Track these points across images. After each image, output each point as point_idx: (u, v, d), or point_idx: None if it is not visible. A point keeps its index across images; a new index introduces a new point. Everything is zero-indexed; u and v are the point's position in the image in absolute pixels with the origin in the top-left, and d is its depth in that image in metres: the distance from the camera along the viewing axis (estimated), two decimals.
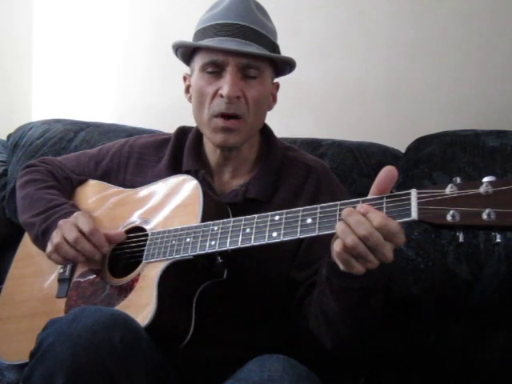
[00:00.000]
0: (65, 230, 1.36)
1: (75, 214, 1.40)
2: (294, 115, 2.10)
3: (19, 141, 2.14)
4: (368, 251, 1.02)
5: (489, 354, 1.53)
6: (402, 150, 1.77)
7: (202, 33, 1.37)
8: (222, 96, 1.33)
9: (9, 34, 2.58)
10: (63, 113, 2.35)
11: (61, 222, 1.39)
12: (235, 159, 1.44)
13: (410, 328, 1.63)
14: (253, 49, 1.33)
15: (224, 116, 1.34)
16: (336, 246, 1.05)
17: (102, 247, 1.36)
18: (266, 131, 1.50)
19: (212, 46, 1.33)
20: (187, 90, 1.45)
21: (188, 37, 1.42)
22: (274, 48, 1.39)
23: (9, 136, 2.23)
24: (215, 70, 1.35)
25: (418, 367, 1.60)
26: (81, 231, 1.35)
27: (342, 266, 1.06)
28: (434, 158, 1.64)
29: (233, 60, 1.32)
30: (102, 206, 1.51)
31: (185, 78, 1.47)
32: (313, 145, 1.81)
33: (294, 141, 1.79)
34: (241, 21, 1.34)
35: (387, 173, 1.05)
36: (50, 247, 1.39)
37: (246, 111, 1.35)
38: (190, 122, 1.47)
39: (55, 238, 1.37)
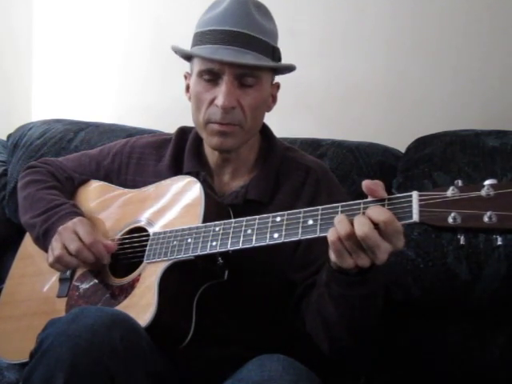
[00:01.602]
0: (66, 239, 1.36)
1: (74, 220, 1.40)
2: (293, 115, 2.10)
3: (19, 141, 2.14)
4: (361, 247, 1.03)
5: (489, 354, 1.53)
6: (402, 150, 1.77)
7: (200, 37, 1.35)
8: (217, 106, 1.32)
9: (9, 34, 2.57)
10: (63, 113, 2.35)
11: (60, 228, 1.38)
12: (234, 161, 1.44)
13: (410, 328, 1.63)
14: (249, 57, 1.31)
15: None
16: (331, 236, 1.05)
17: (103, 258, 1.36)
18: (265, 132, 1.50)
19: (207, 57, 1.31)
20: (187, 88, 1.45)
21: (188, 37, 1.41)
22: (274, 52, 1.37)
23: (9, 136, 2.23)
24: (212, 78, 1.34)
25: (418, 367, 1.60)
26: (82, 241, 1.35)
27: (333, 257, 1.07)
28: (434, 157, 1.64)
29: (229, 69, 1.31)
30: (105, 207, 1.51)
31: (185, 77, 1.47)
32: (313, 145, 1.81)
33: (294, 141, 1.79)
34: (238, 27, 1.31)
35: (367, 184, 1.06)
36: (51, 257, 1.38)
37: (242, 119, 1.34)
38: (190, 122, 1.46)
39: (56, 249, 1.36)
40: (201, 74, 1.35)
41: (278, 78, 1.46)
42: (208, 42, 1.33)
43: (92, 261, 1.35)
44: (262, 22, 1.35)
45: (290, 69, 1.41)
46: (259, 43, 1.33)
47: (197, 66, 1.36)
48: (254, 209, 1.31)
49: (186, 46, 1.40)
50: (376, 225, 1.02)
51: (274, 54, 1.37)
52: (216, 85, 1.33)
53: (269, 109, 1.45)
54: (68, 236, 1.36)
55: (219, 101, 1.31)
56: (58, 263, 1.37)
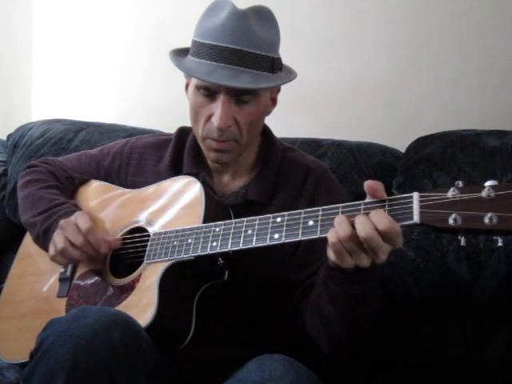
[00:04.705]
0: (69, 233, 1.36)
1: (75, 214, 1.40)
2: (294, 115, 2.09)
3: (19, 141, 2.14)
4: (362, 248, 1.03)
5: (489, 354, 1.54)
6: (402, 150, 1.77)
7: (197, 48, 1.33)
8: (213, 124, 1.32)
9: (9, 34, 2.57)
10: (63, 113, 2.35)
11: (62, 222, 1.39)
12: (233, 165, 1.44)
13: (410, 328, 1.63)
14: (246, 77, 1.29)
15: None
16: (331, 237, 1.05)
17: (99, 247, 1.36)
18: (265, 132, 1.50)
19: (202, 78, 1.30)
20: (187, 87, 1.44)
21: (188, 37, 1.41)
22: (274, 64, 1.34)
23: (9, 136, 2.23)
24: (209, 93, 1.33)
25: (418, 367, 1.60)
26: (81, 231, 1.35)
27: (333, 257, 1.07)
28: (434, 157, 1.64)
29: (225, 89, 1.30)
30: (105, 206, 1.51)
31: (186, 75, 1.46)
32: (313, 145, 1.81)
33: (294, 141, 1.79)
34: (236, 44, 1.28)
35: (370, 184, 1.06)
36: (53, 251, 1.38)
37: (238, 135, 1.34)
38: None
39: (59, 242, 1.37)
40: (198, 87, 1.34)
41: None
42: (205, 57, 1.31)
43: (91, 252, 1.35)
44: (262, 33, 1.32)
45: (290, 81, 1.40)
46: (257, 59, 1.30)
47: (194, 79, 1.35)
48: (254, 209, 1.32)
49: (186, 45, 1.41)
50: (377, 229, 1.02)
51: (274, 65, 1.34)
52: (213, 100, 1.33)
53: (268, 113, 1.44)
54: (71, 229, 1.36)
55: (215, 121, 1.31)
56: (60, 256, 1.38)
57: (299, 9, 2.14)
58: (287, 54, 1.41)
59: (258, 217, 1.19)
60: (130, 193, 1.50)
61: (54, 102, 2.67)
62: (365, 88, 2.08)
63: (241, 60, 1.29)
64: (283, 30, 1.41)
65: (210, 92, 1.32)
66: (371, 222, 1.02)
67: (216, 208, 1.33)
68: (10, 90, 2.60)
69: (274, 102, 1.45)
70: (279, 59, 1.38)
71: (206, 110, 1.34)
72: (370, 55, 2.06)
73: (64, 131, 2.11)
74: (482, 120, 1.87)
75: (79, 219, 1.38)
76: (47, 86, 2.69)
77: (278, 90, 1.46)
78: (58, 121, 2.20)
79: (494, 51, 1.91)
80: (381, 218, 1.02)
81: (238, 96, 1.32)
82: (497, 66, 1.91)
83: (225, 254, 1.25)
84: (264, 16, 1.35)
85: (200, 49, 1.33)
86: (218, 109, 1.31)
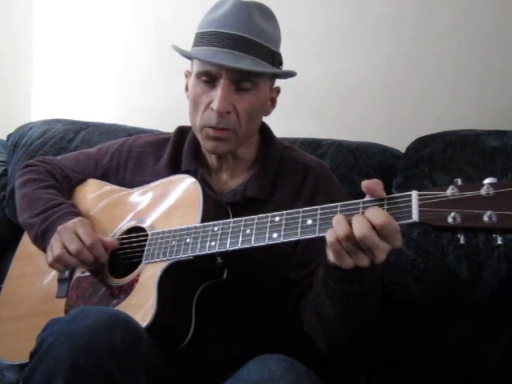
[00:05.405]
0: (66, 240, 1.36)
1: (74, 220, 1.40)
2: (294, 115, 2.10)
3: (19, 141, 2.15)
4: (360, 248, 1.03)
5: (489, 354, 1.53)
6: (402, 150, 1.77)
7: (200, 37, 1.36)
8: (213, 109, 1.33)
9: (9, 33, 2.58)
10: (63, 113, 2.35)
11: (60, 228, 1.38)
12: (232, 160, 1.44)
13: (410, 328, 1.63)
14: (247, 62, 1.30)
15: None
16: (329, 237, 1.05)
17: (102, 257, 1.37)
18: (265, 131, 1.50)
19: (204, 60, 1.32)
20: (187, 87, 1.45)
21: (189, 37, 1.42)
22: (274, 57, 1.36)
23: (9, 136, 2.23)
24: (209, 80, 1.34)
25: (418, 367, 1.60)
26: (82, 241, 1.35)
27: (333, 258, 1.07)
28: (434, 157, 1.64)
29: (226, 74, 1.31)
30: (101, 205, 1.51)
31: (186, 75, 1.47)
32: (313, 145, 1.81)
33: (294, 141, 1.79)
34: (239, 31, 1.31)
35: (366, 184, 1.05)
36: (50, 257, 1.38)
37: (236, 124, 1.35)
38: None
39: (56, 248, 1.37)
40: (199, 75, 1.35)
41: (278, 80, 1.46)
42: (208, 43, 1.33)
43: (91, 261, 1.36)
44: (264, 26, 1.34)
45: (289, 74, 1.41)
46: (259, 48, 1.32)
47: (195, 66, 1.37)
48: (252, 207, 1.32)
49: (186, 46, 1.41)
50: (374, 226, 1.02)
51: (274, 58, 1.36)
52: (213, 87, 1.34)
53: (267, 113, 1.45)
54: (68, 236, 1.36)
55: (214, 105, 1.32)
56: (57, 263, 1.38)
57: (299, 9, 2.14)
58: (287, 53, 1.42)
59: (256, 216, 1.19)
60: (127, 192, 1.50)
61: (54, 102, 2.67)
62: (365, 88, 2.08)
63: (242, 46, 1.31)
64: (283, 29, 1.42)
65: (210, 78, 1.33)
66: (367, 220, 1.02)
67: (214, 206, 1.32)
68: (10, 90, 2.60)
69: (273, 102, 1.46)
70: (279, 55, 1.39)
71: (206, 98, 1.35)
72: (370, 55, 2.06)
73: (64, 131, 2.11)
74: (482, 120, 1.87)
75: (80, 229, 1.37)
76: (47, 85, 2.69)
77: (278, 92, 1.47)
78: (58, 121, 2.20)
79: (494, 51, 1.91)
80: (376, 214, 1.02)
81: (238, 83, 1.33)
82: (497, 66, 1.91)
83: (223, 253, 1.25)
84: (266, 12, 1.38)
85: (202, 37, 1.35)
86: (217, 94, 1.32)
